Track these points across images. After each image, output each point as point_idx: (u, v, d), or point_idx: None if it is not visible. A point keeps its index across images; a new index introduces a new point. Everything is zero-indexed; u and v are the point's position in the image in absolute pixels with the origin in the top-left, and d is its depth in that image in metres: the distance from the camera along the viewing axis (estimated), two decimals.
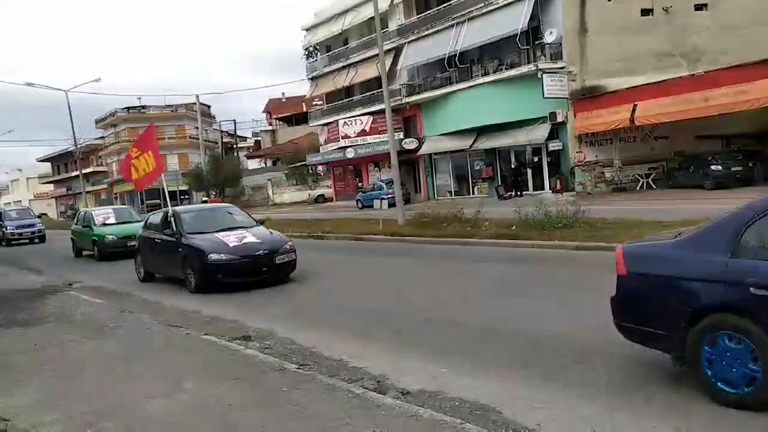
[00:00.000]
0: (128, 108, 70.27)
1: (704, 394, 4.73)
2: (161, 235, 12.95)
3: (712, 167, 23.86)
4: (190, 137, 68.87)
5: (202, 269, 11.43)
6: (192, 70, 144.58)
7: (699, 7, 28.35)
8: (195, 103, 58.20)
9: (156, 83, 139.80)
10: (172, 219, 12.65)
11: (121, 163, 13.55)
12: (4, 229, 31.51)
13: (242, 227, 12.59)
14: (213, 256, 11.26)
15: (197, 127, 59.02)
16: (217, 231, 12.18)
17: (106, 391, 5.95)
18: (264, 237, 12.18)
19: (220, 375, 6.11)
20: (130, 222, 20.27)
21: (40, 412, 5.49)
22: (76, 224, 21.94)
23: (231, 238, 11.76)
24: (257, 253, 11.47)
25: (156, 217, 14.15)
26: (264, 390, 5.60)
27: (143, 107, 70.59)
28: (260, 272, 11.47)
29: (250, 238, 11.87)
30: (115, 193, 71.87)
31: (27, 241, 31.47)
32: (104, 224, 20.21)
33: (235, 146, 70.87)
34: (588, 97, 27.81)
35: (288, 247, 12.07)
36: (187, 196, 61.23)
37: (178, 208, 14.11)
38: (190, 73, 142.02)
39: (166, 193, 15.66)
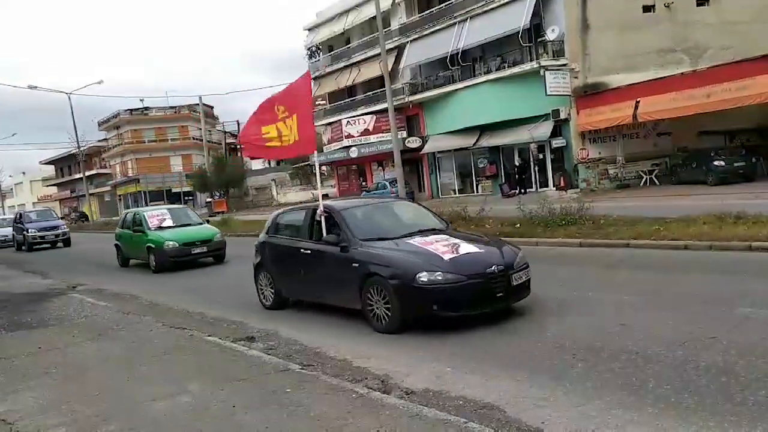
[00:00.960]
0: (131, 110, 70.39)
1: (713, 393, 4.72)
2: (309, 244, 9.03)
3: (715, 163, 23.79)
4: (193, 138, 68.96)
5: (405, 296, 7.33)
6: (194, 70, 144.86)
7: (701, 3, 28.30)
8: (198, 104, 58.28)
9: (159, 84, 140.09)
10: (323, 219, 8.85)
11: (244, 128, 10.60)
12: (25, 232, 29.14)
13: (436, 230, 8.66)
14: (424, 276, 7.21)
15: (200, 128, 59.08)
16: (405, 236, 8.27)
17: (110, 394, 5.96)
18: (483, 245, 8.18)
19: (224, 376, 6.11)
20: (189, 225, 17.45)
21: (44, 415, 5.51)
22: (123, 228, 18.60)
23: (438, 247, 7.76)
24: (489, 270, 7.38)
25: (290, 217, 10.23)
26: (268, 391, 5.60)
27: (146, 109, 70.70)
28: (493, 299, 7.44)
29: (467, 247, 7.86)
30: (119, 196, 72.06)
31: (49, 245, 29.25)
32: (160, 228, 16.83)
33: (238, 147, 70.89)
34: (590, 94, 27.75)
35: (521, 259, 7.97)
36: (191, 197, 61.35)
37: (333, 203, 9.77)
38: (192, 74, 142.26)
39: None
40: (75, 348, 8.02)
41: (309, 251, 8.93)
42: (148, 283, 14.55)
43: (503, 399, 5.09)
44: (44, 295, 13.23)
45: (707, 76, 24.11)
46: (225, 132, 70.58)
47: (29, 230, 28.96)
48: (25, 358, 7.67)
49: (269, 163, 70.02)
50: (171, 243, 15.97)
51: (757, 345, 5.75)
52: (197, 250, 16.07)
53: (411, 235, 8.30)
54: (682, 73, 25.81)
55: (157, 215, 17.57)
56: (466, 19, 32.09)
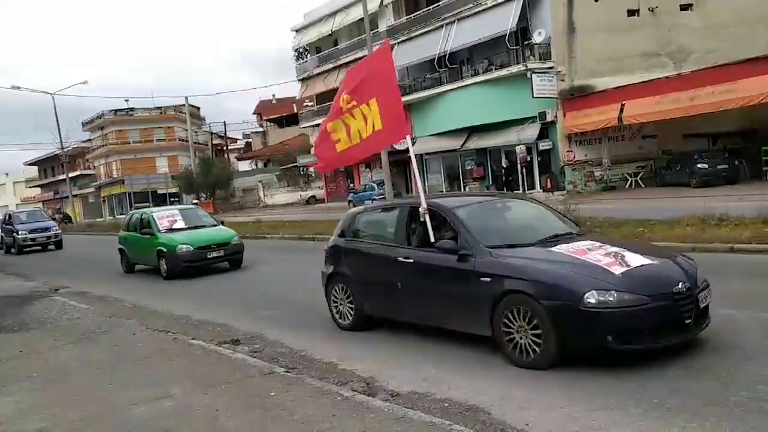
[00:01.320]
0: (115, 110, 69.90)
1: (695, 394, 4.76)
2: (410, 251, 7.09)
3: (699, 165, 24.01)
4: (179, 139, 68.61)
5: (566, 323, 5.61)
6: (181, 71, 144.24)
7: (684, 7, 28.50)
8: (184, 105, 58.00)
9: (144, 85, 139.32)
10: (428, 219, 6.93)
11: (318, 137, 8.91)
12: (15, 234, 27.64)
13: (573, 234, 6.89)
14: (593, 297, 5.48)
15: (186, 129, 58.80)
16: (543, 242, 6.51)
17: (92, 398, 5.90)
18: (653, 255, 6.26)
19: (207, 380, 6.07)
20: (203, 226, 15.88)
21: (25, 419, 5.44)
22: (128, 230, 16.94)
23: (598, 257, 5.96)
24: (676, 288, 5.64)
25: (375, 217, 8.50)
26: (252, 394, 5.56)
27: (131, 109, 70.24)
28: (682, 327, 5.68)
29: (635, 258, 6.00)
30: (104, 197, 71.53)
31: (40, 248, 28.01)
32: (171, 230, 15.27)
33: (225, 148, 70.66)
34: (577, 96, 27.92)
35: (700, 274, 6.14)
36: (176, 199, 61.04)
37: (438, 200, 7.50)
38: (178, 75, 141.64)
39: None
40: (57, 352, 7.93)
41: (410, 260, 7.01)
42: (132, 286, 14.44)
43: (488, 401, 5.10)
44: (27, 298, 13.07)
45: (691, 80, 24.35)
46: (212, 133, 70.28)
47: (19, 232, 27.55)
48: (5, 363, 7.58)
49: (256, 165, 69.82)
50: (185, 246, 14.40)
51: (737, 346, 5.80)
52: (213, 254, 14.66)
53: (550, 240, 6.53)
54: (666, 77, 26.04)
55: (167, 216, 15.92)
56: (454, 21, 32.19)
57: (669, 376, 5.25)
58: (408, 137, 8.10)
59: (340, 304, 8.08)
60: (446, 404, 5.13)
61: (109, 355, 7.56)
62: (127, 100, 69.73)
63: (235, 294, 12.00)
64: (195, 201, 51.08)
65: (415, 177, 7.84)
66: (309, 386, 5.68)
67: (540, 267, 5.90)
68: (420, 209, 7.02)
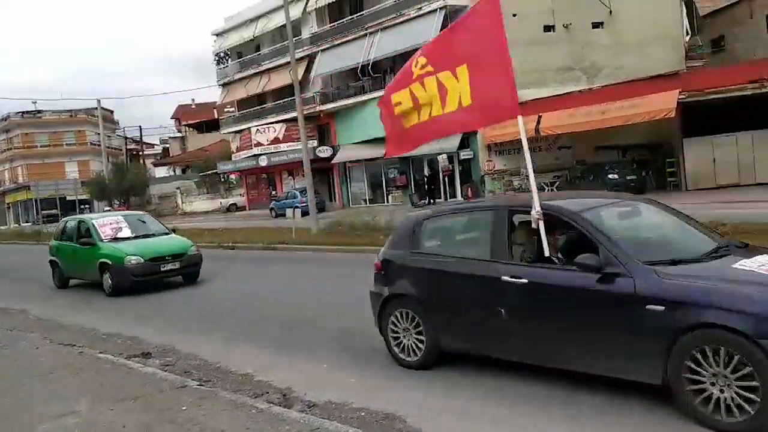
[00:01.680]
0: (22, 112, 66.44)
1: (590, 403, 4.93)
2: (521, 269, 5.43)
3: (610, 176, 25.13)
4: (91, 144, 65.90)
5: None
6: (93, 73, 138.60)
7: (596, 25, 29.94)
8: (96, 108, 55.77)
9: (53, 86, 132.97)
10: (541, 226, 5.37)
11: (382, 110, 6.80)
12: None
13: (730, 246, 5.34)
14: None
15: (99, 133, 56.54)
16: (709, 257, 5.04)
17: None
18: None
19: (115, 395, 5.79)
20: (152, 235, 13.98)
21: None
22: (61, 240, 14.80)
23: None
24: None
25: (454, 222, 6.81)
26: (162, 409, 5.35)
27: (39, 112, 66.95)
28: None
29: None
30: (8, 204, 67.70)
31: None
32: (115, 239, 13.34)
33: (141, 153, 68.40)
34: None
35: None
36: (87, 206, 58.48)
37: (558, 203, 5.92)
38: (91, 77, 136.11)
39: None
40: None
41: (522, 280, 5.30)
42: (41, 299, 13.68)
43: (405, 409, 5.10)
44: None
45: (602, 94, 25.53)
46: (126, 137, 67.88)
47: None
48: None
49: (174, 171, 67.95)
50: (134, 258, 12.47)
51: None
52: (168, 267, 12.79)
53: (717, 255, 5.08)
54: (580, 91, 27.21)
55: (110, 223, 13.88)
56: (377, 30, 32.45)
57: (574, 381, 5.41)
58: (520, 118, 5.90)
59: (404, 335, 6.23)
60: (363, 413, 5.10)
61: (9, 370, 7.12)
62: (34, 102, 66.48)
63: (146, 304, 11.57)
64: (107, 208, 49.19)
65: (528, 173, 5.72)
66: (223, 399, 5.51)
67: (744, 291, 4.32)
68: (533, 213, 5.41)
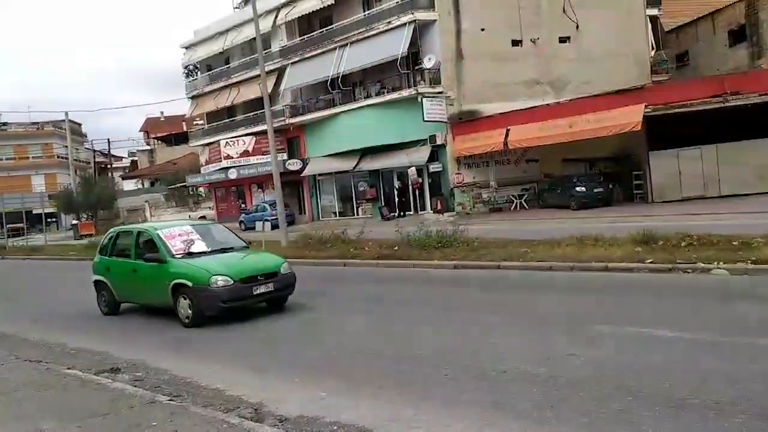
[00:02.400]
0: None
1: (571, 407, 5.00)
2: None
3: (577, 189, 25.53)
4: (58, 156, 64.76)
5: None
6: (60, 85, 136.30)
7: (563, 40, 30.49)
8: (64, 121, 54.88)
9: (19, 99, 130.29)
10: None
11: None
12: None
13: None
14: None
15: (66, 146, 55.59)
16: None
17: None
18: None
19: (83, 412, 5.70)
20: (230, 249, 11.15)
21: None
22: (110, 255, 11.93)
23: None
24: None
25: None
26: (131, 425, 5.28)
27: (4, 124, 65.62)
28: None
29: None
30: None
31: None
32: (189, 254, 10.51)
33: (109, 166, 67.42)
34: (465, 121, 28.97)
35: None
36: (54, 219, 57.34)
37: None
38: (57, 89, 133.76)
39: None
40: None
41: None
42: (8, 313, 13.35)
43: (377, 422, 5.12)
44: None
45: (570, 108, 25.96)
46: (94, 150, 66.89)
47: None
48: None
49: (143, 184, 67.16)
50: (222, 278, 9.70)
51: (610, 360, 6.18)
52: (260, 290, 10.01)
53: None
54: (547, 104, 27.63)
55: (179, 234, 10.98)
56: (347, 44, 32.57)
57: (548, 393, 5.48)
58: None
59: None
60: (335, 427, 5.10)
61: None
62: None
63: (115, 321, 11.40)
64: (75, 221, 48.33)
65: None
66: (194, 415, 5.47)
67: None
68: None
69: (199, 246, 10.79)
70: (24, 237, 40.10)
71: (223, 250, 10.93)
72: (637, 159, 25.94)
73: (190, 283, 9.79)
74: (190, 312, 9.83)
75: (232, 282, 9.74)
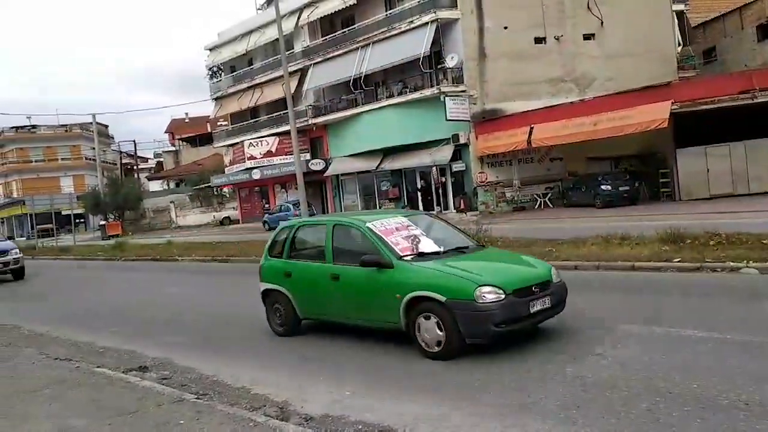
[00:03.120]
0: (17, 127, 66.30)
1: (598, 408, 4.95)
2: None
3: (602, 187, 25.27)
4: (86, 158, 65.83)
5: None
6: (88, 88, 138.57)
7: (587, 37, 30.20)
8: (91, 123, 55.74)
9: (49, 102, 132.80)
10: None
11: None
12: None
13: None
14: None
15: (94, 148, 56.47)
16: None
17: None
18: None
19: (112, 410, 5.79)
20: (466, 249, 8.04)
21: None
22: (290, 257, 8.77)
23: None
24: None
25: None
26: (160, 423, 5.35)
27: (33, 127, 66.86)
28: None
29: None
30: (2, 218, 67.41)
31: None
32: (420, 255, 7.46)
33: (135, 167, 68.34)
34: (488, 119, 28.84)
35: None
36: (82, 220, 58.31)
37: None
38: (86, 92, 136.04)
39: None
40: None
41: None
42: (37, 312, 13.61)
43: (402, 421, 5.12)
44: None
45: (594, 106, 25.71)
46: (121, 152, 67.86)
47: None
48: None
49: (168, 185, 67.95)
50: (490, 290, 6.67)
51: (637, 360, 6.11)
52: (537, 307, 6.94)
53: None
54: (571, 102, 27.40)
55: (397, 229, 7.87)
56: (369, 44, 32.61)
57: (575, 393, 5.44)
58: None
59: None
60: (359, 426, 5.12)
61: (3, 386, 7.07)
62: (29, 117, 66.44)
63: (140, 320, 11.55)
64: (102, 222, 49.07)
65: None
66: (220, 413, 5.52)
67: None
68: None
69: (428, 245, 7.74)
70: (53, 237, 40.81)
71: (459, 250, 7.85)
72: (663, 157, 25.62)
73: (441, 297, 6.69)
74: (441, 337, 6.71)
75: (504, 295, 6.64)
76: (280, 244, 9.02)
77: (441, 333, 6.73)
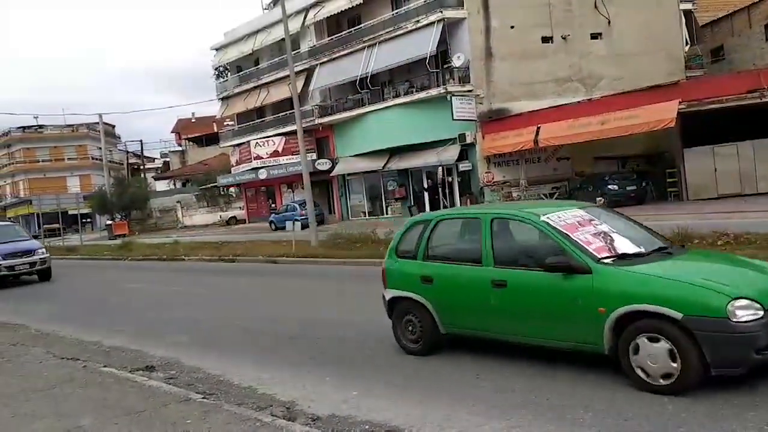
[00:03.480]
0: (23, 127, 66.61)
1: (605, 408, 4.93)
2: None
3: (609, 187, 25.19)
4: (92, 158, 66.08)
5: None
6: (94, 88, 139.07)
7: (594, 36, 30.10)
8: (98, 123, 55.94)
9: (55, 102, 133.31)
10: None
11: None
12: None
13: None
14: None
15: (100, 148, 56.69)
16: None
17: None
18: None
19: (119, 409, 5.80)
20: (663, 249, 6.38)
21: None
22: (426, 257, 7.10)
23: None
24: None
25: None
26: (166, 423, 5.35)
27: (40, 127, 67.16)
28: None
29: None
30: (9, 218, 67.73)
31: (12, 278, 19.37)
32: (620, 257, 5.91)
33: (141, 167, 68.56)
34: (495, 119, 28.78)
35: None
36: (89, 220, 58.54)
37: None
38: (92, 92, 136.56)
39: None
40: None
41: None
42: (44, 312, 13.65)
43: (409, 422, 5.11)
44: None
45: (601, 105, 25.62)
46: (127, 152, 68.10)
47: None
48: None
49: (174, 185, 68.16)
50: (747, 304, 5.10)
51: None
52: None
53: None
54: (578, 102, 27.31)
55: (579, 224, 6.31)
56: (375, 44, 32.60)
57: (581, 393, 5.41)
58: None
59: None
60: (367, 427, 5.10)
61: (11, 385, 7.09)
62: (36, 117, 66.74)
63: (148, 317, 11.57)
64: (109, 222, 49.24)
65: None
66: (227, 412, 5.52)
67: None
68: None
69: (625, 244, 6.19)
70: (60, 237, 40.98)
71: (662, 251, 6.30)
72: (670, 156, 25.51)
73: (676, 314, 5.13)
74: (672, 368, 5.16)
75: (764, 311, 5.10)
76: (412, 241, 7.29)
77: (674, 362, 5.10)
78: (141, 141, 68.78)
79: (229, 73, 46.32)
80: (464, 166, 29.67)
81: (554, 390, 5.50)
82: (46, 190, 54.70)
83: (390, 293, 7.33)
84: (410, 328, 7.09)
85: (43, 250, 20.12)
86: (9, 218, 66.50)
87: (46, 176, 64.76)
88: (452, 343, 7.06)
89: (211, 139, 62.62)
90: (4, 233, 20.43)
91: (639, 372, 5.31)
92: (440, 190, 31.50)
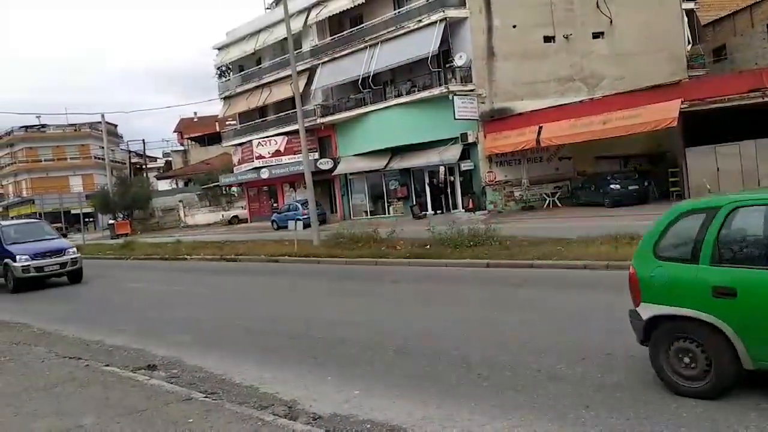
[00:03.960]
0: (26, 127, 66.67)
1: (609, 409, 4.92)
2: None
3: (611, 186, 25.15)
4: (95, 158, 66.11)
5: None
6: (94, 88, 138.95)
7: (596, 36, 30.07)
8: (100, 122, 55.99)
9: (57, 101, 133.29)
10: None
11: None
12: (9, 261, 17.28)
13: None
14: None
15: (103, 147, 56.73)
16: None
17: None
18: None
19: (121, 408, 5.81)
20: None
21: None
22: (715, 260, 4.98)
23: None
24: None
25: None
26: (168, 422, 5.36)
27: (43, 126, 67.22)
28: None
29: None
30: (12, 217, 67.84)
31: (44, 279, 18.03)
32: None
33: (144, 167, 68.60)
34: (497, 119, 28.76)
35: None
36: (91, 219, 58.58)
37: None
38: (94, 92, 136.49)
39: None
40: None
41: None
42: (46, 311, 13.67)
43: (410, 421, 5.11)
44: None
45: (603, 104, 25.59)
46: (130, 151, 68.16)
47: (16, 258, 17.19)
48: None
49: (176, 184, 68.18)
50: None
51: (648, 359, 6.05)
52: None
53: None
54: (580, 101, 27.29)
55: None
56: (377, 43, 32.59)
57: (585, 393, 5.41)
58: None
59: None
60: (368, 426, 5.11)
61: (14, 384, 7.11)
62: (38, 117, 66.76)
63: (151, 317, 11.59)
64: (111, 221, 49.29)
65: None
66: (229, 411, 5.53)
67: None
68: None
69: None
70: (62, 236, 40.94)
71: None
72: (672, 156, 25.45)
73: None
74: None
75: None
76: (686, 237, 5.28)
77: None
78: (143, 140, 68.90)
79: (231, 73, 46.34)
80: (466, 165, 29.65)
81: (556, 390, 5.50)
82: (49, 190, 54.80)
83: (651, 310, 5.30)
84: (688, 360, 5.12)
85: (74, 249, 18.71)
86: (12, 218, 66.71)
87: (48, 176, 64.81)
88: (453, 342, 7.05)
89: (214, 139, 62.63)
90: (32, 231, 19.15)
91: None
92: (441, 189, 31.49)
